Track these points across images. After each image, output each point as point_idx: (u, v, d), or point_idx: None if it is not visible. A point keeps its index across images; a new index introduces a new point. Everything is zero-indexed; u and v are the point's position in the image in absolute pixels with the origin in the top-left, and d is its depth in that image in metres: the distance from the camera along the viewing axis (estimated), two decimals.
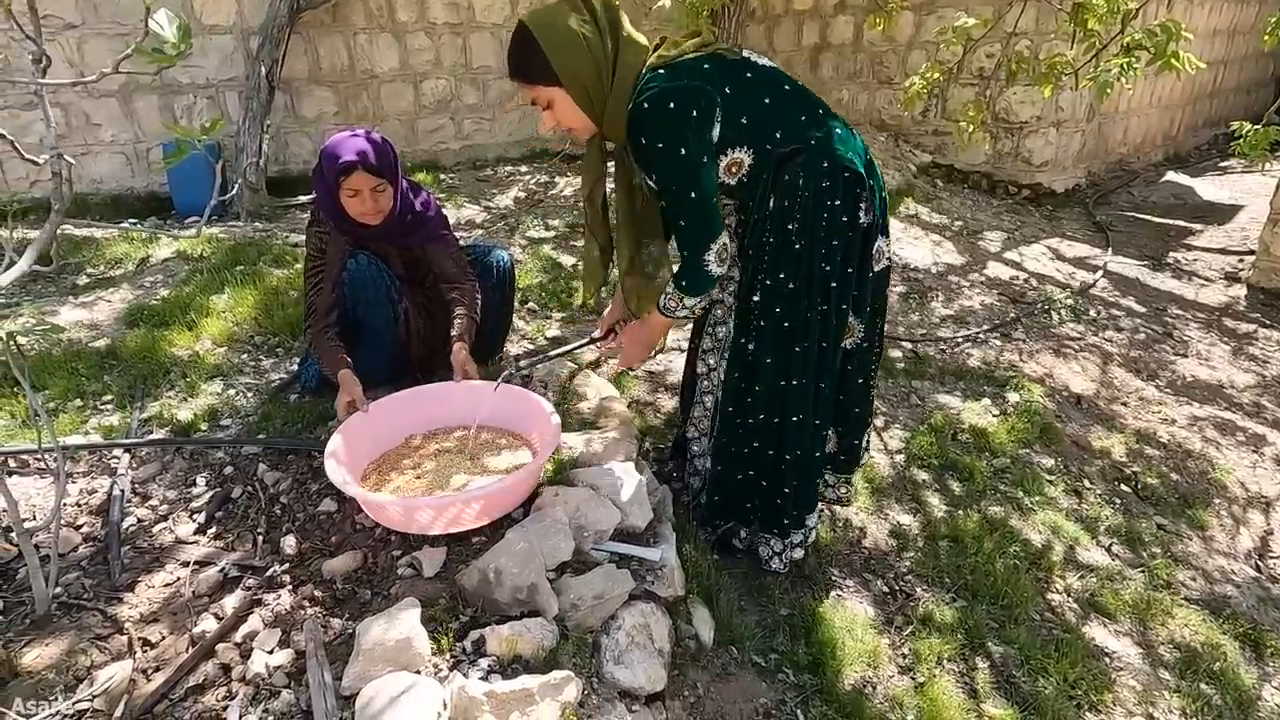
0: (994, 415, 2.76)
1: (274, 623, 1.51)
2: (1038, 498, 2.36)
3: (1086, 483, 2.50)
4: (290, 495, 1.89)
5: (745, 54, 1.55)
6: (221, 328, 2.73)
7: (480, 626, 1.39)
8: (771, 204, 1.54)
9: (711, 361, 1.85)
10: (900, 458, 2.49)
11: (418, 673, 1.27)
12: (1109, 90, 2.21)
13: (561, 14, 1.40)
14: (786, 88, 1.54)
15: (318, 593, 1.56)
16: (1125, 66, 2.16)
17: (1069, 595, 2.04)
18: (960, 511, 2.26)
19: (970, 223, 5.06)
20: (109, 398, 2.33)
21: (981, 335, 3.40)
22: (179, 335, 2.66)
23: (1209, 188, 6.28)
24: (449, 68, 5.40)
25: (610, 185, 1.67)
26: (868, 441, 1.98)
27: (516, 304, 2.60)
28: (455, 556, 1.62)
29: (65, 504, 1.92)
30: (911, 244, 4.42)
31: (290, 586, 1.60)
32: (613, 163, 1.64)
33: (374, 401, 2.00)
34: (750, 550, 1.90)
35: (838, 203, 1.54)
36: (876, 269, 1.70)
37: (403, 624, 1.30)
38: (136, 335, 2.63)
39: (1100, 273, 4.37)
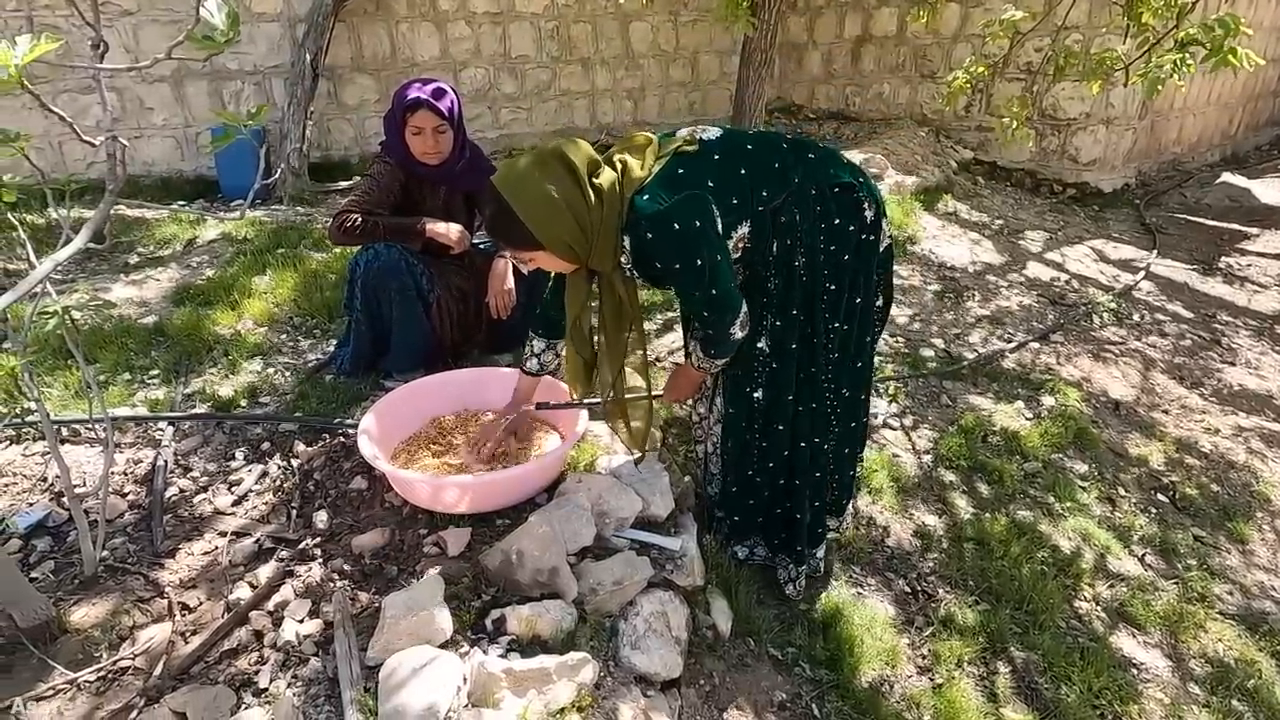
0: (1027, 418, 2.71)
1: (305, 593, 1.56)
2: (1069, 504, 2.32)
3: (1121, 490, 2.44)
4: (323, 472, 1.95)
5: (696, 134, 1.52)
6: (262, 308, 2.81)
7: (501, 606, 1.42)
8: (775, 249, 1.53)
9: (701, 410, 1.87)
10: (928, 458, 2.46)
11: (440, 648, 1.31)
12: (1159, 88, 2.14)
13: (533, 179, 1.36)
14: (750, 147, 1.52)
15: (346, 566, 1.61)
16: (1178, 63, 2.09)
17: (1097, 603, 2.00)
18: (988, 514, 2.22)
19: (1011, 222, 4.95)
20: (155, 372, 2.42)
21: (1020, 339, 3.33)
22: (222, 314, 2.75)
23: (1268, 190, 6.02)
24: (488, 57, 5.45)
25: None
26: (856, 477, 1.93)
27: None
28: (479, 537, 1.65)
29: (113, 472, 2.01)
30: (949, 242, 4.34)
31: (321, 560, 1.66)
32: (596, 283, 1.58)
33: (406, 384, 2.05)
34: (769, 565, 1.90)
35: (838, 221, 1.54)
36: (881, 249, 1.67)
37: (427, 600, 1.33)
38: (183, 313, 2.73)
39: (1142, 275, 4.24)
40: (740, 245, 1.52)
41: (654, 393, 1.71)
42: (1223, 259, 4.69)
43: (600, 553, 1.62)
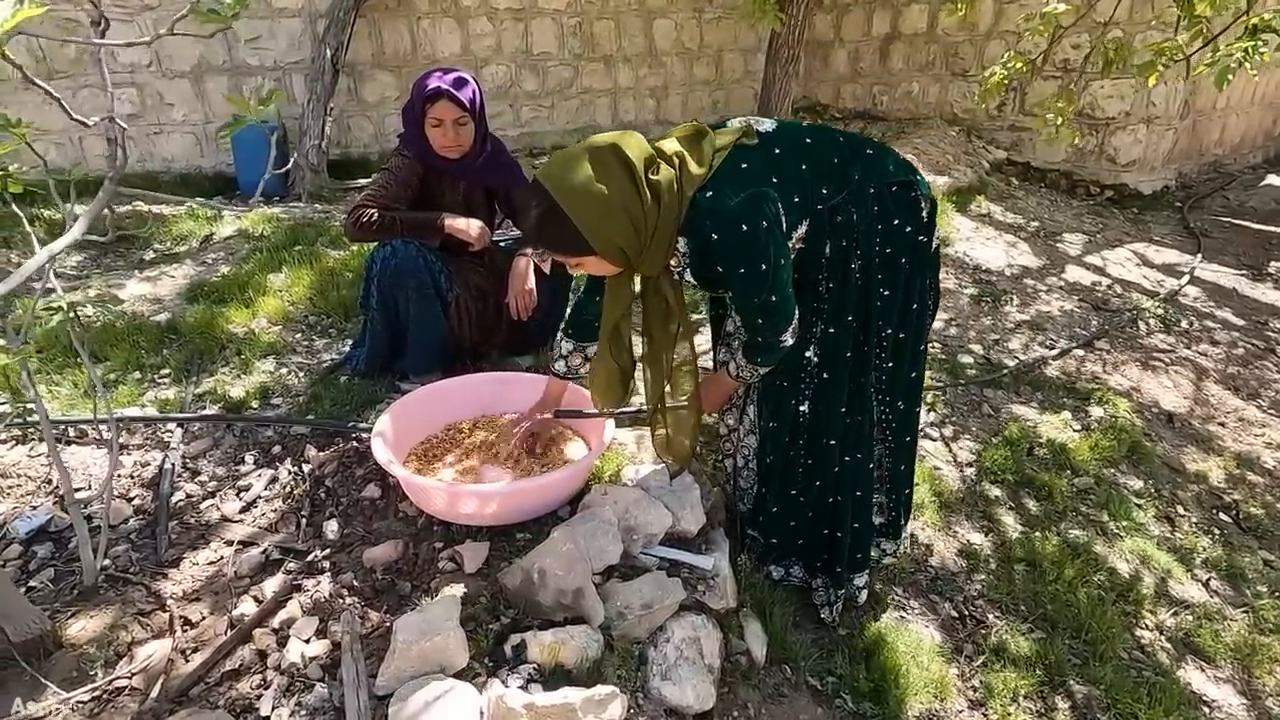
0: (1075, 430, 2.56)
1: (312, 609, 1.47)
2: (1125, 522, 2.16)
3: (1180, 509, 2.28)
4: (335, 479, 1.86)
5: (754, 124, 1.40)
6: (277, 306, 2.74)
7: (521, 630, 1.31)
8: (829, 250, 1.41)
9: (730, 422, 1.75)
10: (971, 471, 2.32)
11: (455, 676, 1.20)
12: (1229, 78, 1.99)
13: (587, 177, 1.21)
14: (809, 141, 1.41)
15: (357, 582, 1.51)
16: (1250, 50, 1.94)
17: (1161, 633, 1.85)
18: (1038, 533, 2.08)
19: (1048, 224, 4.77)
20: (166, 371, 2.35)
21: (1063, 346, 3.17)
22: (236, 312, 2.68)
23: None
24: (510, 54, 5.37)
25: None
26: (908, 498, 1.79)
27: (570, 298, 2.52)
28: (498, 553, 1.55)
29: (119, 476, 1.93)
30: (983, 244, 4.19)
31: (330, 573, 1.56)
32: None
33: (423, 387, 1.95)
34: (806, 587, 1.77)
35: (896, 221, 1.42)
36: (931, 250, 1.55)
37: (441, 623, 1.23)
38: (196, 311, 2.66)
39: (1186, 279, 4.05)
40: (796, 246, 1.40)
41: (684, 405, 1.59)
42: (1272, 264, 4.48)
43: (627, 572, 1.51)
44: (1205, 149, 6.12)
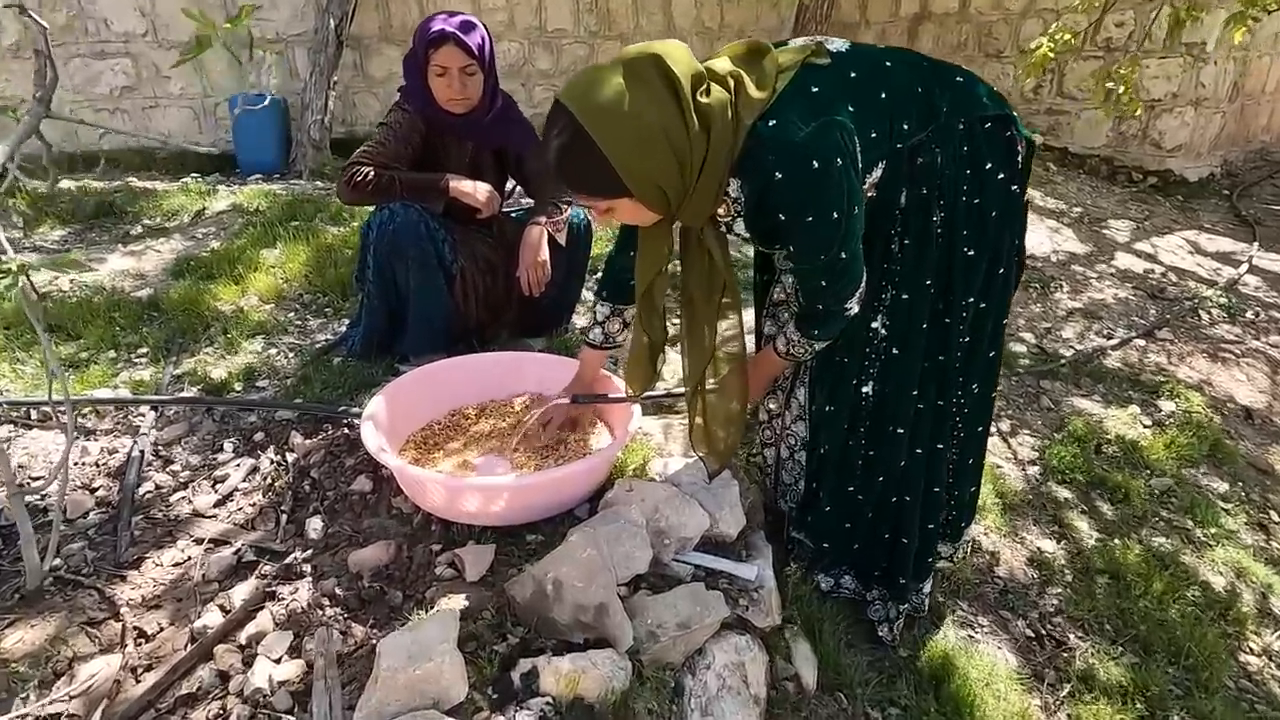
0: (1146, 426, 2.30)
1: (286, 622, 1.25)
2: (1213, 530, 1.91)
3: (1274, 515, 2.03)
4: (321, 470, 1.64)
5: (824, 43, 1.14)
6: (269, 283, 2.53)
7: (533, 654, 1.09)
8: (905, 199, 1.17)
9: (772, 406, 1.51)
10: (1034, 469, 2.07)
11: (450, 713, 0.97)
12: None
13: (623, 98, 0.97)
14: (888, 64, 1.16)
15: (340, 589, 1.29)
16: None
17: (1269, 658, 1.60)
18: (1117, 540, 1.83)
19: (1091, 210, 4.49)
20: (144, 350, 2.14)
21: (1122, 335, 2.91)
22: (224, 289, 2.47)
23: None
24: (523, 30, 5.13)
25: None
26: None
27: (587, 275, 2.29)
28: (505, 558, 1.32)
29: (84, 463, 1.73)
30: (1027, 229, 3.91)
31: (311, 578, 1.34)
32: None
33: (422, 367, 1.73)
34: (860, 600, 1.53)
35: (988, 165, 1.18)
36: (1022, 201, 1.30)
37: (435, 645, 1.00)
38: (181, 287, 2.45)
39: (1245, 268, 3.77)
40: (867, 194, 1.16)
41: (726, 391, 1.35)
42: None
43: (657, 582, 1.28)
44: (1252, 135, 5.81)
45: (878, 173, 1.14)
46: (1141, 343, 2.85)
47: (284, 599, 1.30)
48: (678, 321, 1.39)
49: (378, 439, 1.38)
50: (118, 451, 1.77)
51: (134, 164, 3.83)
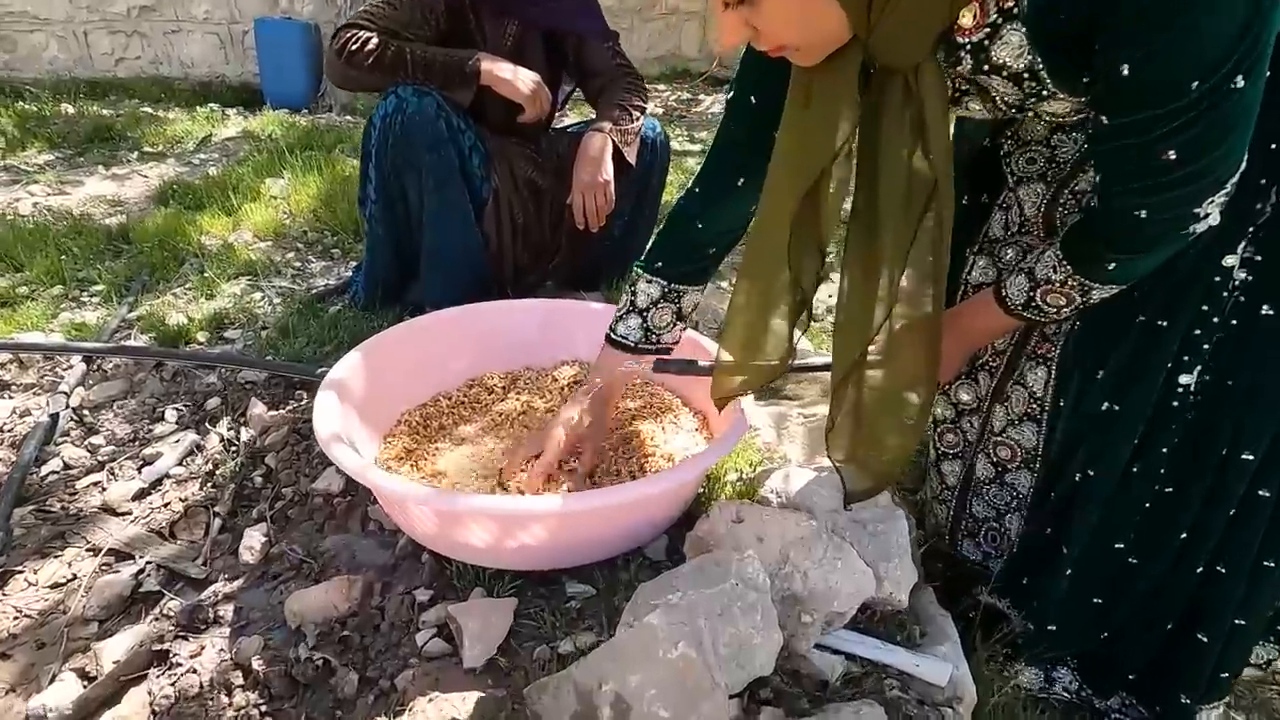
0: None
1: (171, 709, 0.75)
2: None
3: None
4: (281, 455, 1.15)
5: None
6: (268, 217, 2.06)
7: None
8: None
9: (967, 397, 0.95)
10: None
11: None
12: None
13: None
14: None
15: (261, 660, 0.79)
16: None
17: None
18: None
19: None
20: (99, 288, 1.69)
21: None
22: (211, 220, 2.01)
23: None
24: None
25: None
26: None
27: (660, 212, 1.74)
28: (530, 624, 0.80)
29: None
30: None
31: (228, 631, 0.85)
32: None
33: (426, 315, 1.22)
34: (1082, 709, 0.95)
35: None
36: None
37: None
38: (159, 215, 2.00)
39: None
40: None
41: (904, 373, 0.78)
42: None
43: (789, 688, 0.74)
44: None
45: None
46: None
47: (177, 666, 0.81)
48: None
49: (336, 422, 0.87)
50: (33, 413, 1.32)
51: (150, 95, 3.44)
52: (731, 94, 0.84)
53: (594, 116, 1.52)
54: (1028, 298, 0.75)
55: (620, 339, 0.96)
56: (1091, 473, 0.79)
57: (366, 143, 1.43)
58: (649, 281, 0.94)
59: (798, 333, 0.79)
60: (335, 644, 0.81)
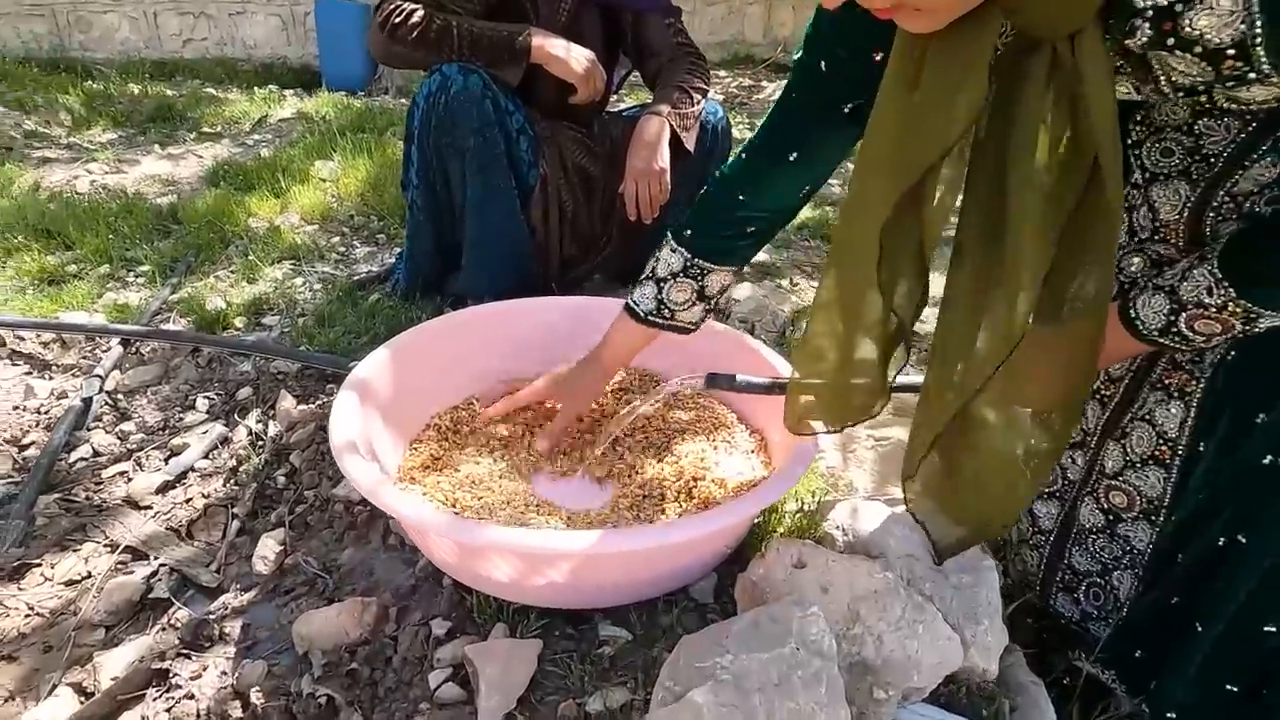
0: None
1: None
2: None
3: None
4: (306, 454, 1.08)
5: None
6: (315, 200, 2.02)
7: None
8: None
9: (1124, 471, 0.78)
10: None
11: None
12: None
13: None
14: None
15: (260, 693, 0.72)
16: None
17: None
18: None
19: None
20: (145, 268, 1.67)
21: None
22: (260, 202, 1.99)
23: None
24: None
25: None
26: None
27: None
28: (555, 670, 0.71)
29: (25, 408, 1.28)
30: None
31: (232, 651, 0.78)
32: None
33: (463, 310, 1.14)
34: None
35: None
36: None
37: None
38: (209, 196, 1.98)
39: None
40: None
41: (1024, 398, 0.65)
42: None
43: None
44: None
45: None
46: None
47: (176, 688, 0.75)
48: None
49: (352, 427, 0.79)
50: (69, 396, 1.30)
51: (213, 76, 3.47)
52: (799, 55, 0.72)
53: (651, 99, 1.41)
54: (1167, 322, 0.61)
55: (632, 305, 0.88)
56: (1243, 539, 0.64)
57: (410, 123, 1.35)
58: (673, 250, 0.85)
59: (893, 369, 0.66)
60: (342, 677, 0.73)
